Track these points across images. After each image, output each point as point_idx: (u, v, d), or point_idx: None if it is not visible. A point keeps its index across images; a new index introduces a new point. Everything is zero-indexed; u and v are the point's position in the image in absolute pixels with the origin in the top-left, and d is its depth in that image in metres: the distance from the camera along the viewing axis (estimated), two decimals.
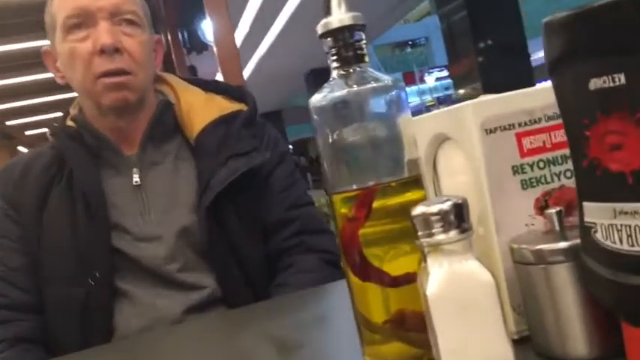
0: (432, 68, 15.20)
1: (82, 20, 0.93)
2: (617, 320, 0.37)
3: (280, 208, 1.01)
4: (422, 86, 14.70)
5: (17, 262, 0.96)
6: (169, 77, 1.09)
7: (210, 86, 1.08)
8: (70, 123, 1.01)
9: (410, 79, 14.81)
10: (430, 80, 14.90)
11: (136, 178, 0.97)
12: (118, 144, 0.99)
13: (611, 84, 0.33)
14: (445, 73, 13.64)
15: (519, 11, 6.29)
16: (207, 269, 0.96)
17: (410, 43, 16.91)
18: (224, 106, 1.03)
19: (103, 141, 0.98)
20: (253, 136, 1.01)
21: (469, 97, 2.04)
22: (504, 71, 5.81)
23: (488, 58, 6.05)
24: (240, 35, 7.31)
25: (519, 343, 0.44)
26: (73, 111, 1.04)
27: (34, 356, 0.91)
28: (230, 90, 1.08)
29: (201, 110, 1.01)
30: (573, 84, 0.35)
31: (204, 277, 0.95)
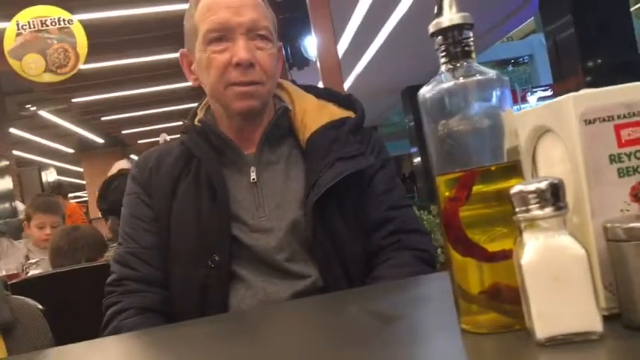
0: (535, 87, 14.66)
1: (223, 34, 1.03)
2: None
3: (381, 209, 1.07)
4: (524, 106, 14.23)
5: (148, 241, 1.08)
6: (286, 84, 1.19)
7: (322, 93, 1.17)
8: (197, 123, 1.13)
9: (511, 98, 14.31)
10: (532, 100, 14.36)
11: (253, 175, 1.07)
12: (239, 144, 1.09)
13: None
14: (549, 92, 13.08)
15: (633, 28, 5.97)
16: (311, 260, 1.04)
17: (512, 61, 16.45)
18: (334, 112, 1.12)
19: (226, 141, 1.08)
20: (360, 142, 1.09)
21: None
22: None
23: (597, 77, 5.79)
24: (340, 51, 7.50)
25: (609, 319, 0.47)
26: (200, 113, 1.15)
27: (156, 324, 1.03)
28: (340, 98, 1.17)
29: (313, 116, 1.11)
30: None
31: (309, 267, 1.03)
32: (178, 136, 1.17)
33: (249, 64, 1.02)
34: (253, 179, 1.07)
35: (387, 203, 1.08)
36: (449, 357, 0.50)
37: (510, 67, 16.73)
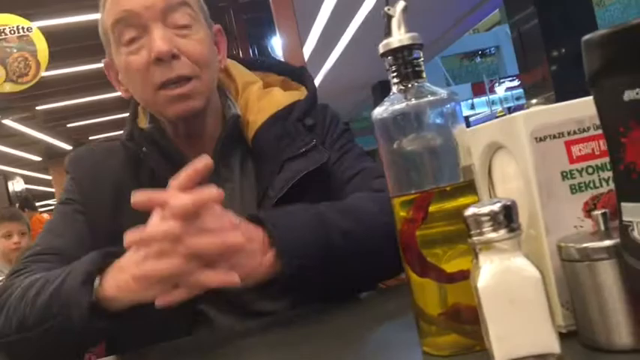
0: (503, 78, 14.86)
1: (132, 25, 0.86)
2: None
3: (342, 178, 0.95)
4: (492, 96, 14.40)
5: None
6: (233, 67, 1.02)
7: (272, 67, 1.04)
8: (143, 127, 0.95)
9: (479, 89, 14.53)
10: (500, 90, 14.55)
11: None
12: (192, 155, 0.89)
13: None
14: (516, 82, 13.28)
15: (595, 19, 6.08)
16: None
17: (479, 53, 16.63)
18: (279, 100, 0.97)
19: (181, 155, 0.93)
20: (310, 129, 0.95)
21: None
22: (579, 80, 5.60)
23: (561, 66, 5.88)
24: (307, 50, 7.51)
25: (567, 336, 0.47)
26: (143, 114, 0.98)
27: None
28: (292, 72, 1.03)
29: (255, 108, 0.95)
30: (610, 95, 0.39)
31: (277, 303, 0.90)
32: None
33: (172, 57, 0.84)
34: None
35: (343, 168, 0.96)
36: None
37: (478, 59, 16.92)
